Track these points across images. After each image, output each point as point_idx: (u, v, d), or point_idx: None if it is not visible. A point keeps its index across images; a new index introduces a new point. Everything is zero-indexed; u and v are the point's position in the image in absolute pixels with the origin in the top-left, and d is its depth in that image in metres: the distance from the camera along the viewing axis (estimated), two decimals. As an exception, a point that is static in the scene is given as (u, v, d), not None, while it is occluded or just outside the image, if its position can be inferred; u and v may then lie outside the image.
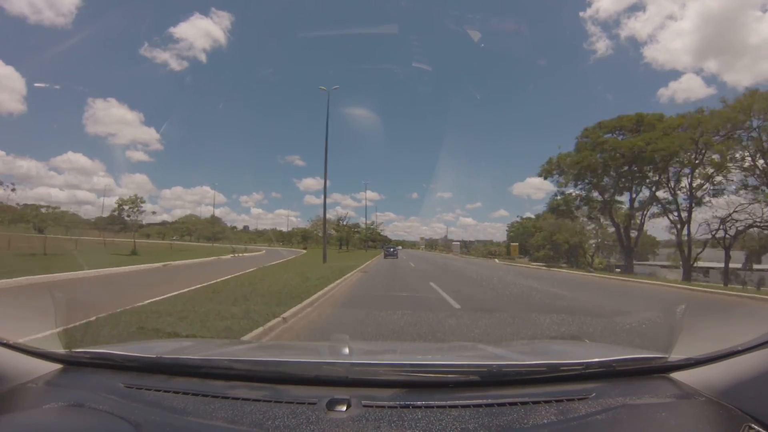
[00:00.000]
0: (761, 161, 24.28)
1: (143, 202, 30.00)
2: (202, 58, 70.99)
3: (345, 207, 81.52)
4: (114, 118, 74.87)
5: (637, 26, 71.17)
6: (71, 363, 1.58)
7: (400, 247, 53.00)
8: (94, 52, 62.27)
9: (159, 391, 1.36)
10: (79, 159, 76.08)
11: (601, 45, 68.83)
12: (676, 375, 1.43)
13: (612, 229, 34.22)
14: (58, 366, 1.55)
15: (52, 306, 3.50)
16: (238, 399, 1.26)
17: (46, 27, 59.44)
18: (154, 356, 1.56)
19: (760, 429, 1.07)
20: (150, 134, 78.64)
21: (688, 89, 71.78)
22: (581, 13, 64.47)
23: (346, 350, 1.93)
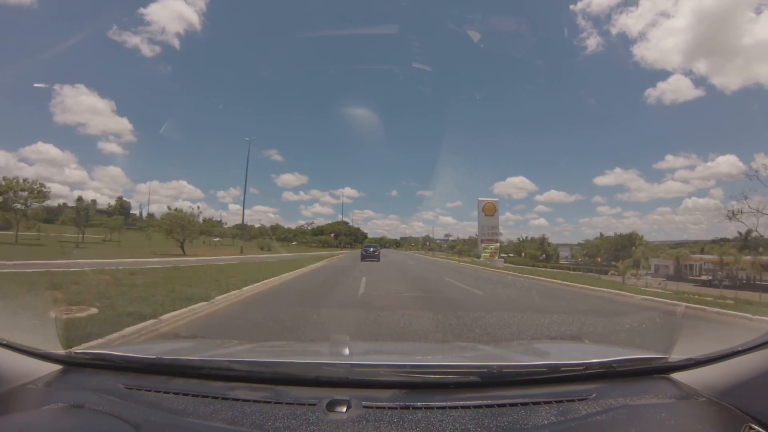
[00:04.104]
0: None
1: (42, 186, 27.33)
2: (176, 43, 68.96)
3: (323, 204, 78.15)
4: (83, 106, 71.62)
5: (629, 22, 70.92)
6: (71, 364, 1.58)
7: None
8: (60, 33, 57.47)
9: (159, 392, 1.36)
10: (49, 150, 70.73)
11: (592, 42, 68.46)
12: (676, 375, 1.43)
13: None
14: (58, 367, 1.55)
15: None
16: (237, 400, 1.26)
17: (11, 6, 55.03)
18: (154, 357, 1.56)
19: (761, 429, 1.07)
20: (123, 125, 75.84)
21: (676, 90, 71.51)
22: (572, 6, 63.66)
23: (346, 351, 1.93)
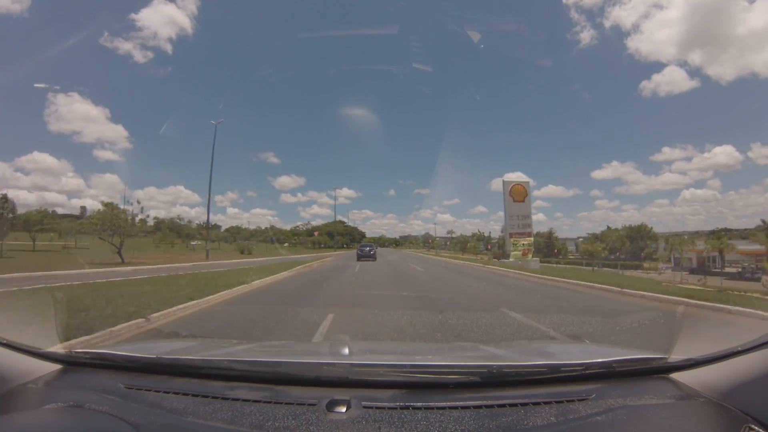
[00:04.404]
0: None
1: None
2: (169, 48, 69.43)
3: (321, 205, 77.50)
4: (77, 114, 72.72)
5: (622, 15, 70.60)
6: (71, 363, 1.58)
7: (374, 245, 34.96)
8: (51, 41, 57.45)
9: (159, 391, 1.36)
10: (45, 159, 71.44)
11: (586, 35, 68.36)
12: (676, 375, 1.43)
13: None
14: (58, 366, 1.55)
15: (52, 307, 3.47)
16: (237, 400, 1.26)
17: (1, 15, 56.19)
18: (154, 356, 1.56)
19: (760, 429, 1.07)
20: (118, 132, 76.66)
21: (672, 82, 71.20)
22: (565, 0, 63.18)
23: (346, 350, 1.94)
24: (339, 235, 77.07)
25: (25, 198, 70.96)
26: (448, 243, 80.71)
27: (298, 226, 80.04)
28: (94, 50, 63.81)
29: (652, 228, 51.29)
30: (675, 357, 1.48)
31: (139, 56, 67.47)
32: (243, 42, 78.93)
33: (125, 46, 71.75)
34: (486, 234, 73.34)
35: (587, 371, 1.42)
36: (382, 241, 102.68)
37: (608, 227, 54.52)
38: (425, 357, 2.07)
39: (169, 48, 70.71)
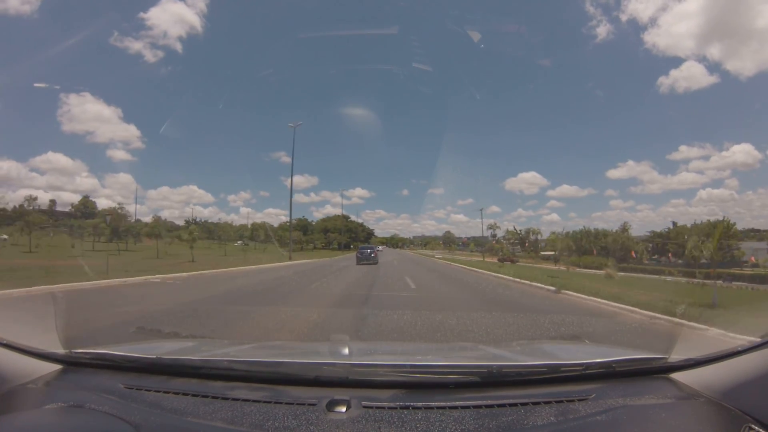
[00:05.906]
0: None
1: None
2: (179, 47, 67.79)
3: (335, 205, 73.80)
4: (90, 114, 70.97)
5: (639, 8, 68.93)
6: (71, 363, 1.58)
7: (380, 248, 32.29)
8: (61, 42, 54.53)
9: (159, 391, 1.36)
10: (59, 159, 69.12)
11: (602, 30, 65.83)
12: (676, 375, 1.43)
13: None
14: (58, 366, 1.55)
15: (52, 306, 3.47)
16: (237, 400, 1.26)
17: (12, 16, 55.23)
18: (154, 357, 1.56)
19: (760, 429, 1.07)
20: (130, 131, 75.37)
21: (690, 77, 69.02)
22: None
23: (346, 351, 1.93)
24: (335, 232, 69.11)
25: (41, 198, 69.76)
26: (482, 242, 60.19)
27: (285, 223, 65.96)
28: (104, 50, 63.43)
29: (735, 224, 39.34)
30: (675, 357, 1.48)
31: (150, 55, 66.51)
32: (250, 44, 78.23)
33: (135, 45, 70.95)
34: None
35: (587, 371, 1.42)
36: (394, 241, 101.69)
37: (674, 224, 41.73)
38: (425, 357, 2.07)
39: (178, 47, 70.08)
